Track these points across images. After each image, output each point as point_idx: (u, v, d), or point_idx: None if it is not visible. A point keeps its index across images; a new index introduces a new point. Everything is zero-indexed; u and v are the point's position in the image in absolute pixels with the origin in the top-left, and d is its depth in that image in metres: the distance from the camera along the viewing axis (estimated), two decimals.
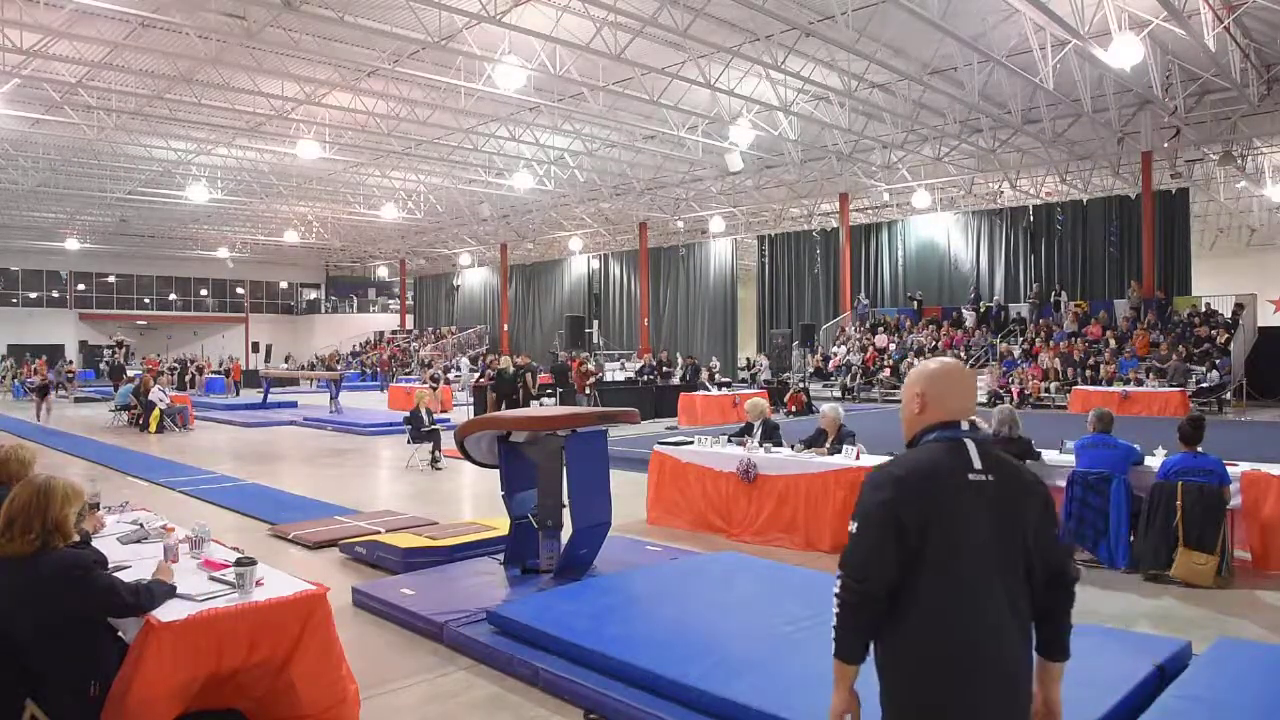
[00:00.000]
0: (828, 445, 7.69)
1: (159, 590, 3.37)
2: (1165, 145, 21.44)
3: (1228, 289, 22.95)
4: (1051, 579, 2.15)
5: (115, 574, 3.45)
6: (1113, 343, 21.18)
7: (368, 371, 38.53)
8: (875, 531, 2.06)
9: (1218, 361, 19.21)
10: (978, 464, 2.12)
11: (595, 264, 38.52)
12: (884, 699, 2.12)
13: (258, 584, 3.63)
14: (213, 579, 3.77)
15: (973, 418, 2.24)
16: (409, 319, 47.57)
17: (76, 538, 3.40)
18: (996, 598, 2.05)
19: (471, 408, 18.50)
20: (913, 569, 2.04)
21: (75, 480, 3.40)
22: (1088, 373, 20.60)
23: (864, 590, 2.05)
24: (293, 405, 23.38)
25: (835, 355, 26.15)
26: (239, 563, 3.67)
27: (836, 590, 2.10)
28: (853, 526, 2.12)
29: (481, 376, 22.29)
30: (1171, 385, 18.48)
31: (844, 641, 2.09)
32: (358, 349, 44.06)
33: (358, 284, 51.16)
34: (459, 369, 32.56)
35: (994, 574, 2.06)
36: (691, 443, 8.54)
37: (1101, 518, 6.42)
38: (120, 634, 3.44)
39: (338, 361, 37.05)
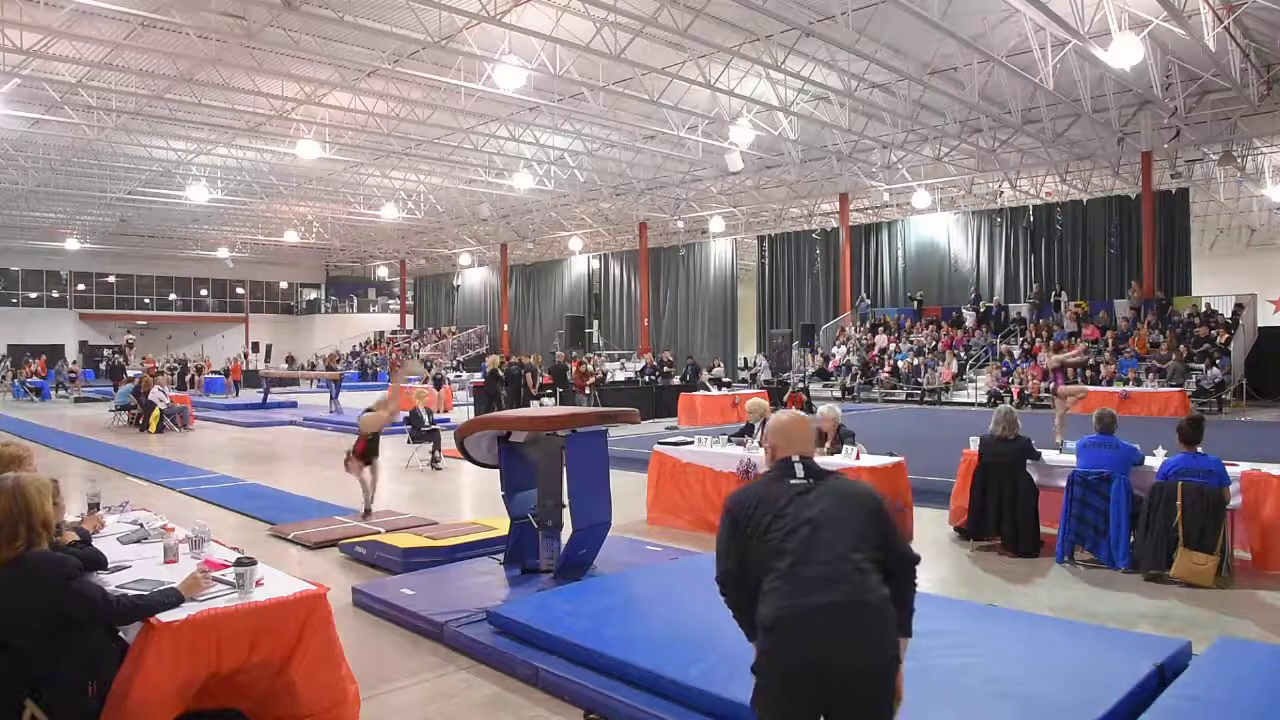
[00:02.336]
0: (827, 446, 7.68)
1: (138, 605, 3.27)
2: (1165, 145, 21.43)
3: (1228, 289, 22.96)
4: (894, 568, 2.56)
5: (113, 574, 3.44)
6: (1112, 343, 21.17)
7: (367, 371, 38.49)
8: (724, 533, 2.68)
9: (1218, 360, 19.21)
10: (800, 475, 2.67)
11: (595, 264, 38.50)
12: None
13: (258, 584, 3.63)
14: (213, 579, 3.77)
15: (802, 453, 2.76)
16: (409, 319, 47.57)
17: (74, 535, 3.39)
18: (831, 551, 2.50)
19: (472, 408, 18.50)
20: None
21: (37, 473, 3.37)
22: (1088, 373, 20.58)
23: (722, 579, 2.69)
24: (292, 405, 23.37)
25: (835, 355, 26.15)
26: (239, 563, 3.67)
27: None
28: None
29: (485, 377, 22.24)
30: (1171, 385, 18.48)
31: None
32: (358, 349, 44.02)
33: (358, 284, 51.14)
34: (460, 371, 32.56)
35: (827, 536, 2.52)
36: (691, 443, 8.53)
37: (1102, 518, 6.41)
38: (120, 634, 3.44)
39: (338, 361, 37.01)
